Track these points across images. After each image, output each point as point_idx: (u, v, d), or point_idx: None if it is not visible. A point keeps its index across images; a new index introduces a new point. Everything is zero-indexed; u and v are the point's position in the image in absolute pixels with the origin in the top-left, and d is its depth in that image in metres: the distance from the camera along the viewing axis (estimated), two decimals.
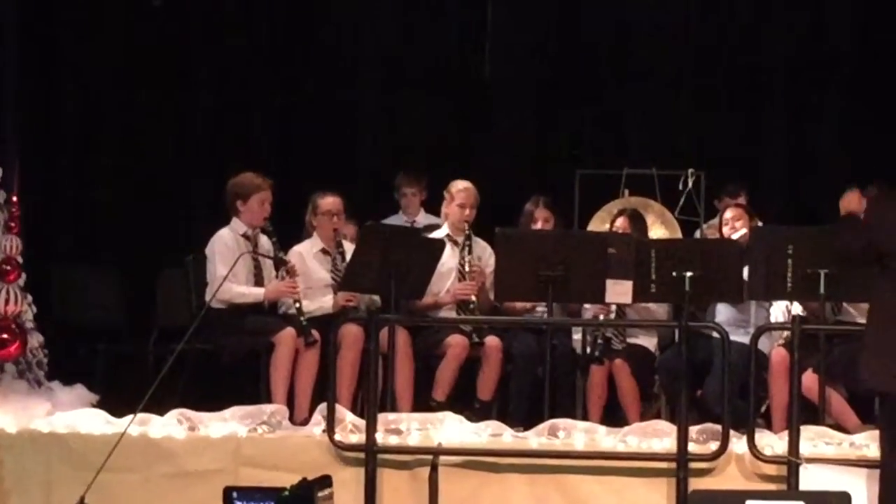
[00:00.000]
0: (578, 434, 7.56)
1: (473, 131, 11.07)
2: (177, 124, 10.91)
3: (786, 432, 7.29)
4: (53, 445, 7.73)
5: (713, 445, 7.31)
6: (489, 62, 10.93)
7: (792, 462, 7.14)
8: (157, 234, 10.54)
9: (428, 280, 8.44)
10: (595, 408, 8.36)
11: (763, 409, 8.14)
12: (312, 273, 8.68)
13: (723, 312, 8.58)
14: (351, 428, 7.60)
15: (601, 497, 7.37)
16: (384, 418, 7.62)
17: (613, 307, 8.52)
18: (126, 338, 9.93)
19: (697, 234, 9.70)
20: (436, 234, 8.83)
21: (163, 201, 10.71)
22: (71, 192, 10.71)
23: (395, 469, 7.48)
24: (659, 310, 8.65)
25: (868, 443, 7.25)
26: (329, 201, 8.78)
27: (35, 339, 8.67)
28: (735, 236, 8.51)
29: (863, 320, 7.98)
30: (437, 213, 9.28)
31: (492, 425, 7.71)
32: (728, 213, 8.85)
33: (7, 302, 8.42)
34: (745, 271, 8.00)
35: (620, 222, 8.85)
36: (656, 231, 9.53)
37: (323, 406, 7.64)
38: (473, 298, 8.60)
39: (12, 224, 8.57)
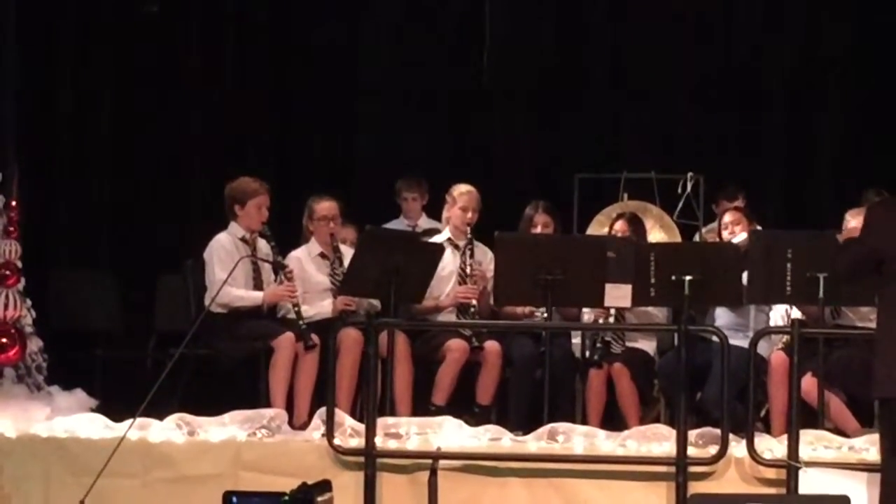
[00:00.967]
0: (578, 438, 7.55)
1: (473, 135, 11.07)
2: (175, 129, 10.90)
3: (785, 436, 7.28)
4: (53, 450, 7.73)
5: (712, 449, 7.30)
6: (488, 66, 10.93)
7: (791, 466, 7.13)
8: (156, 238, 10.54)
9: (427, 284, 8.45)
10: (594, 412, 8.35)
11: (762, 412, 8.13)
12: (311, 277, 8.68)
13: (722, 316, 8.58)
14: (350, 432, 7.60)
15: (600, 501, 7.36)
16: (383, 422, 7.61)
17: (613, 311, 8.51)
18: (125, 342, 9.94)
19: (696, 238, 9.70)
20: (437, 238, 8.83)
21: (161, 206, 10.72)
22: (70, 197, 10.70)
23: (394, 473, 7.47)
24: (658, 314, 8.65)
25: (868, 446, 7.24)
26: (325, 206, 8.78)
27: (34, 344, 8.68)
28: (736, 240, 8.50)
29: (861, 324, 8.02)
30: (438, 218, 9.27)
31: (491, 429, 7.70)
32: (727, 217, 8.85)
33: (6, 306, 8.43)
34: (745, 276, 8.01)
35: (619, 226, 8.85)
36: (655, 235, 9.53)
37: (322, 410, 7.64)
38: (474, 302, 8.61)
39: (11, 229, 8.58)
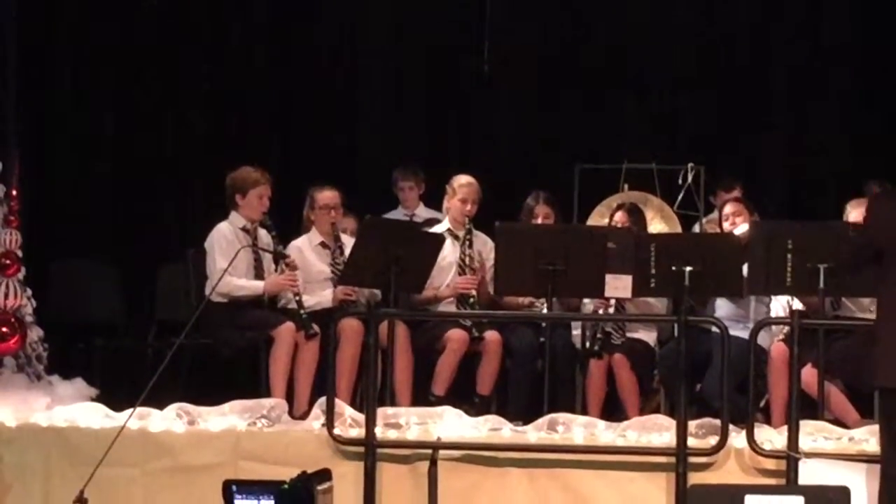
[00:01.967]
0: (578, 428, 7.54)
1: (474, 126, 11.06)
2: (176, 119, 10.90)
3: (785, 427, 7.28)
4: (53, 439, 7.72)
5: (712, 440, 7.30)
6: (489, 56, 10.92)
7: (791, 457, 7.12)
8: (157, 228, 10.54)
9: (427, 274, 8.45)
10: (594, 402, 8.36)
11: (762, 403, 8.13)
12: (311, 267, 8.68)
13: (722, 307, 8.58)
14: (350, 422, 7.59)
15: (600, 491, 7.36)
16: (383, 412, 7.61)
17: (613, 301, 8.51)
18: (125, 332, 9.94)
19: (697, 229, 9.70)
20: (437, 229, 8.83)
21: (162, 195, 10.72)
22: (70, 187, 10.70)
23: (394, 463, 7.46)
24: (658, 304, 8.65)
25: (867, 437, 7.24)
26: (326, 195, 8.79)
27: (34, 333, 8.68)
28: (737, 231, 8.50)
29: (862, 315, 8.02)
30: (438, 208, 9.27)
31: (491, 420, 7.70)
32: (728, 209, 8.85)
33: (7, 296, 8.44)
34: (745, 267, 8.00)
35: (620, 217, 8.86)
36: (656, 226, 9.53)
37: (322, 400, 7.63)
38: (474, 293, 8.61)
39: (12, 218, 8.58)
